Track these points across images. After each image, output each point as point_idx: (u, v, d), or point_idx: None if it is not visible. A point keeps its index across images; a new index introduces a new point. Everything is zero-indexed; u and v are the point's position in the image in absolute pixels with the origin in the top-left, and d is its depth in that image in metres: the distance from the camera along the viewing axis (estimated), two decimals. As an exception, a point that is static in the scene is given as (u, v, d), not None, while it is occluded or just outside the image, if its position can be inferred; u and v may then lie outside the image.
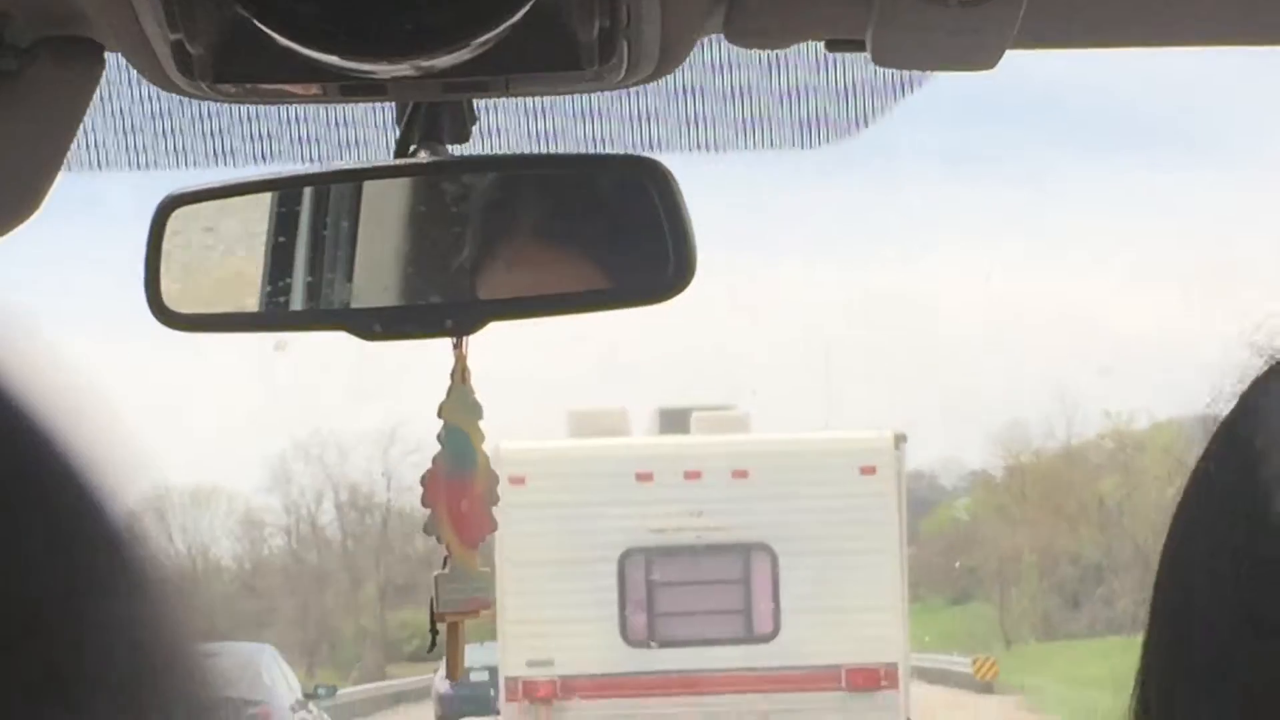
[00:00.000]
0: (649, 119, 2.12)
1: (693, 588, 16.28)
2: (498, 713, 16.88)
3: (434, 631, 2.05)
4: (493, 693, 16.81)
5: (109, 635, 0.63)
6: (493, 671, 17.32)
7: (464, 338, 2.02)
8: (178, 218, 2.02)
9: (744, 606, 16.48)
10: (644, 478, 16.21)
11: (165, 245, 2.01)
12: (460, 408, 2.03)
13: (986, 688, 35.22)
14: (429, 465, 2.02)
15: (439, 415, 2.02)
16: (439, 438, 2.03)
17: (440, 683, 30.39)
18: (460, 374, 2.02)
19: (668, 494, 16.14)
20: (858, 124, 2.03)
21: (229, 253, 2.08)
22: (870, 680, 16.20)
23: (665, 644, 16.23)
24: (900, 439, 16.61)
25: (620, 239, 2.01)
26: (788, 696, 16.05)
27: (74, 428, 0.66)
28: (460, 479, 2.03)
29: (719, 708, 15.90)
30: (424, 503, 2.03)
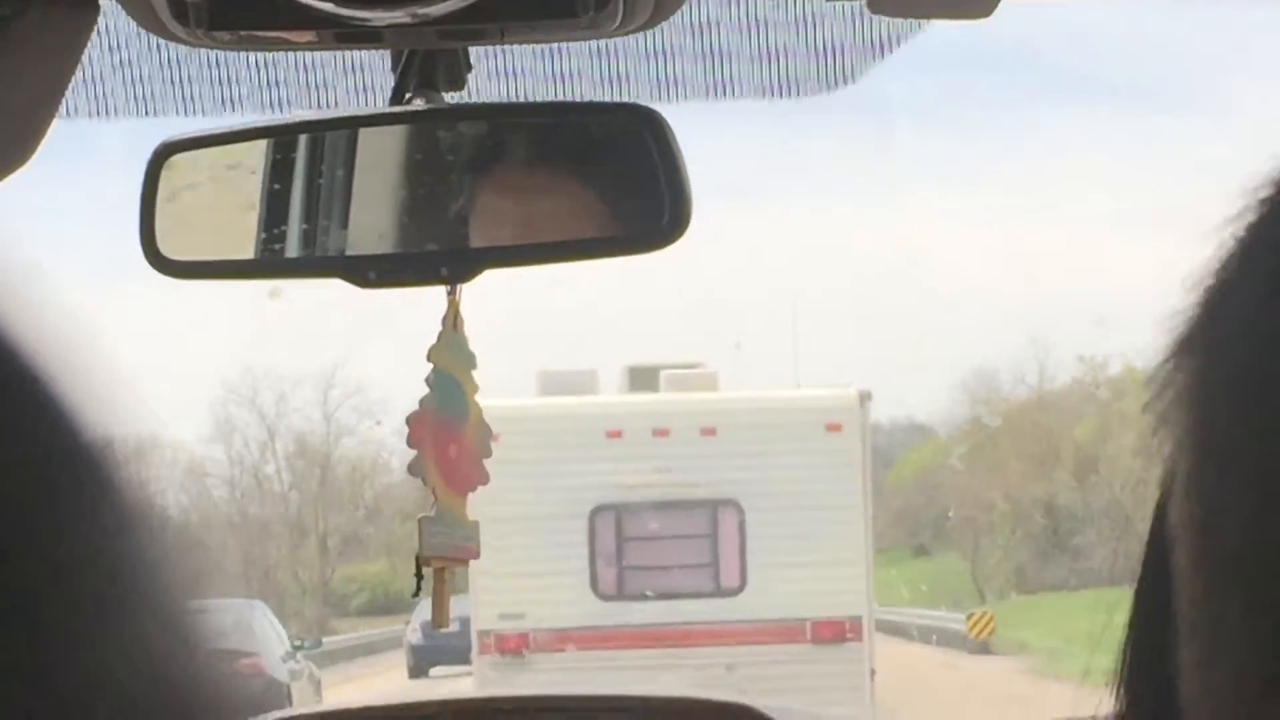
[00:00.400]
0: (626, 77, 2.10)
1: (662, 543, 16.34)
2: (469, 662, 16.93)
3: (419, 576, 2.03)
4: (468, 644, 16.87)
5: (89, 568, 0.61)
6: (465, 623, 17.72)
7: (458, 285, 2.00)
8: (173, 164, 1.99)
9: (712, 561, 16.55)
10: (614, 435, 16.26)
11: (160, 192, 1.98)
12: (452, 354, 2.00)
13: (982, 647, 31.68)
14: (416, 406, 1.99)
15: (428, 359, 2.00)
16: (427, 381, 2.00)
17: (412, 634, 30.64)
18: (453, 320, 1.99)
19: (637, 451, 16.19)
20: (838, 81, 2.01)
21: (224, 200, 2.05)
22: (835, 633, 16.27)
23: (635, 598, 16.30)
24: (865, 396, 16.66)
25: (616, 187, 1.98)
26: (754, 649, 16.11)
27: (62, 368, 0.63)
28: (449, 424, 2.01)
29: (687, 660, 15.94)
30: (409, 443, 2.00)
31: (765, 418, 16.41)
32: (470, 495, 2.03)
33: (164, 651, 0.62)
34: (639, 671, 15.61)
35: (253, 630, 19.30)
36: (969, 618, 32.55)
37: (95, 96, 2.05)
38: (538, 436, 15.69)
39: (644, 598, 16.31)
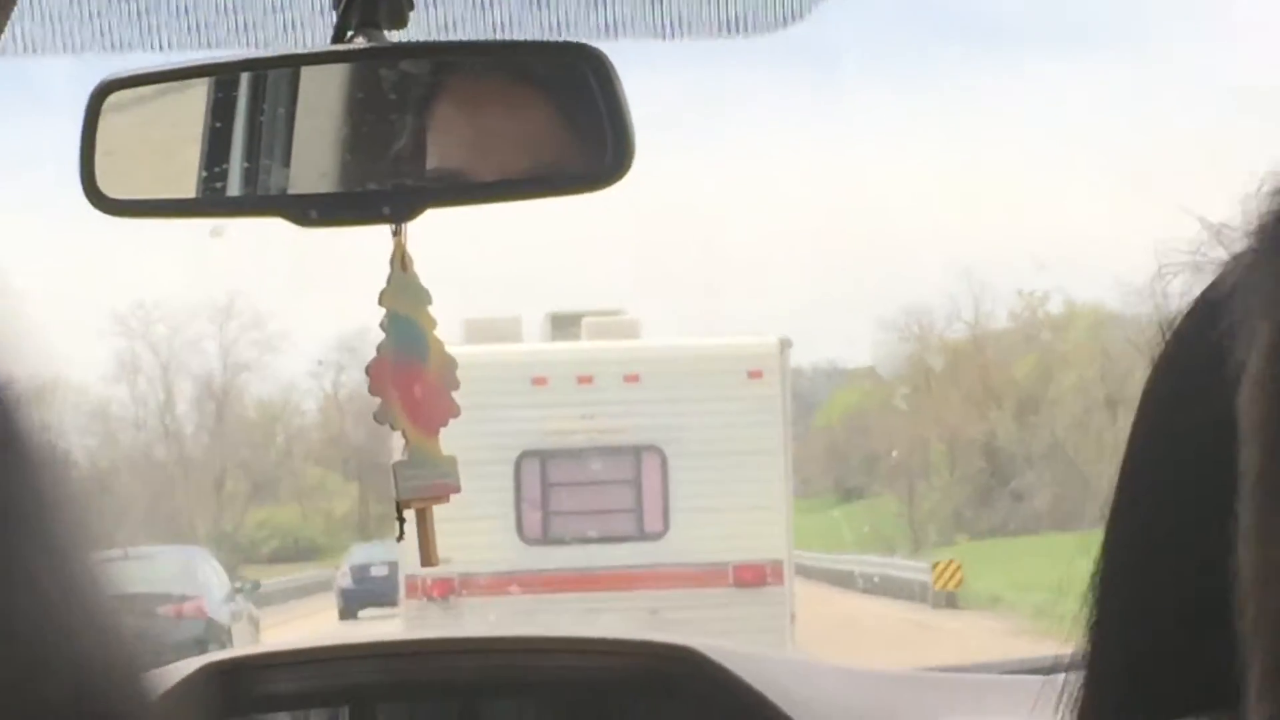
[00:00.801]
0: (570, 22, 2.06)
1: (586, 488, 16.36)
2: (396, 604, 16.92)
3: (401, 520, 2.00)
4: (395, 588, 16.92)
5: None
6: (392, 568, 17.89)
7: (402, 225, 1.96)
8: (113, 102, 1.95)
9: (635, 506, 16.57)
10: (539, 382, 16.25)
11: (100, 129, 1.94)
12: (405, 294, 1.97)
13: (949, 600, 28.02)
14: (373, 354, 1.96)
15: (380, 303, 1.96)
16: (381, 325, 1.97)
17: (342, 578, 30.78)
18: (400, 260, 1.96)
19: (562, 398, 16.18)
20: (782, 21, 1.98)
21: (165, 137, 2.01)
22: (756, 576, 16.30)
23: (560, 542, 16.31)
24: (785, 344, 16.69)
25: (559, 126, 1.95)
26: (677, 593, 16.13)
27: None
28: (410, 365, 1.98)
29: (611, 603, 15.96)
30: (371, 391, 1.97)
31: (688, 365, 16.43)
32: (442, 430, 2.00)
33: (61, 599, 0.58)
34: (565, 615, 15.63)
35: (195, 576, 20.11)
36: (935, 567, 29.02)
37: (17, 37, 2.00)
38: (463, 385, 15.61)
39: (569, 542, 16.33)
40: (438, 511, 2.02)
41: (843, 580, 34.06)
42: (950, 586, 27.99)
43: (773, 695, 2.22)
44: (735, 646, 2.43)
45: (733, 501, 16.14)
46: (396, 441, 2.04)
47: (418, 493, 1.96)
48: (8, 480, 0.58)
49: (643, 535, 16.49)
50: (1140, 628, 0.86)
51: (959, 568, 28.51)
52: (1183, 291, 0.90)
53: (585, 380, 16.29)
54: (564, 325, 17.91)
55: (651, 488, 16.55)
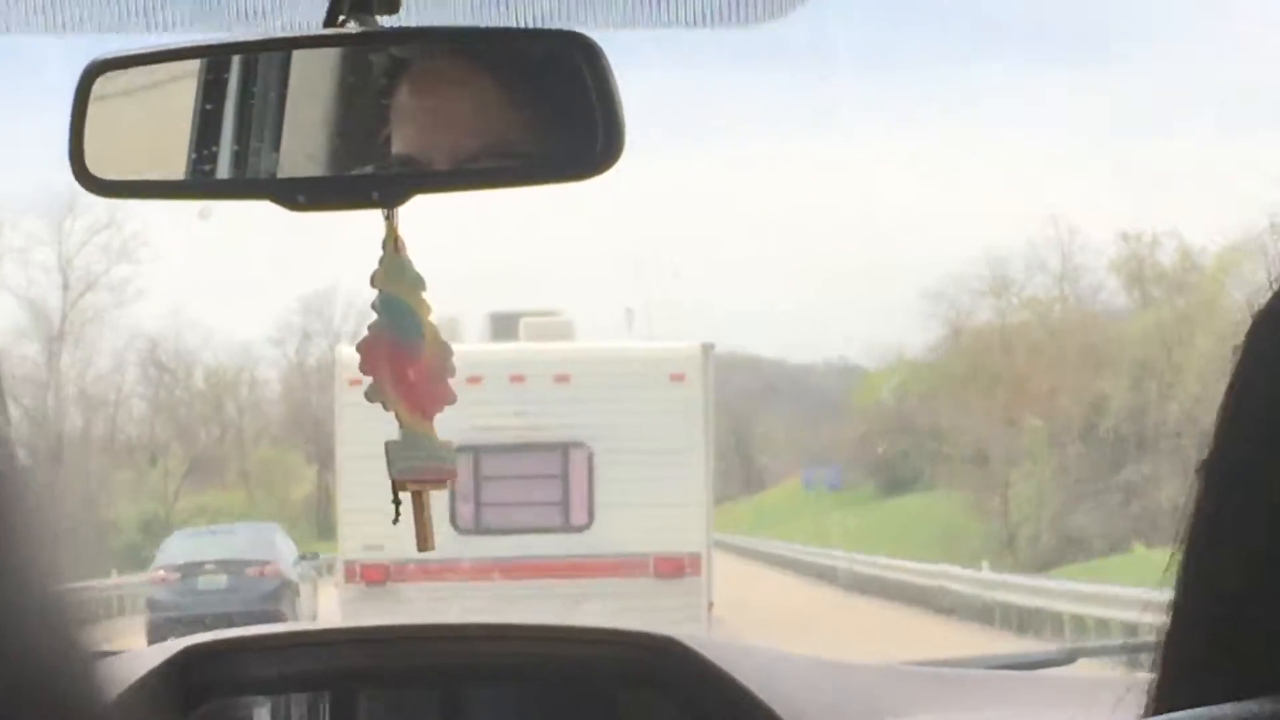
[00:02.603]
0: (563, 10, 1.96)
1: (516, 482, 16.39)
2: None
3: (396, 503, 1.89)
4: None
5: None
6: (231, 568, 19.65)
7: (394, 209, 1.86)
8: (104, 82, 1.83)
9: (562, 499, 16.60)
10: (473, 380, 16.18)
11: (90, 110, 1.83)
12: (398, 277, 1.86)
13: None
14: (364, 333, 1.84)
15: (372, 284, 1.85)
16: (374, 306, 1.86)
17: (154, 585, 23.56)
18: (393, 244, 1.85)
19: (495, 395, 16.16)
20: (783, 9, 1.89)
21: (155, 119, 1.90)
22: (675, 568, 16.35)
23: (490, 532, 16.31)
24: (708, 348, 16.72)
25: (549, 114, 1.85)
26: (601, 582, 16.17)
27: None
28: (404, 347, 1.87)
29: (538, 591, 15.96)
30: (362, 370, 1.86)
31: (615, 366, 16.49)
32: (437, 416, 1.89)
33: (10, 591, 0.51)
34: (495, 601, 15.58)
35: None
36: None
37: (26, 11, 1.88)
38: None
39: (500, 533, 16.32)
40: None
41: (927, 599, 22.86)
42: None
43: (753, 686, 2.12)
44: (716, 638, 2.34)
45: (654, 497, 16.19)
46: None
47: (412, 474, 1.85)
48: None
49: (569, 527, 16.53)
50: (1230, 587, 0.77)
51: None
52: None
53: (518, 379, 16.32)
54: (503, 325, 17.91)
55: (578, 482, 16.59)
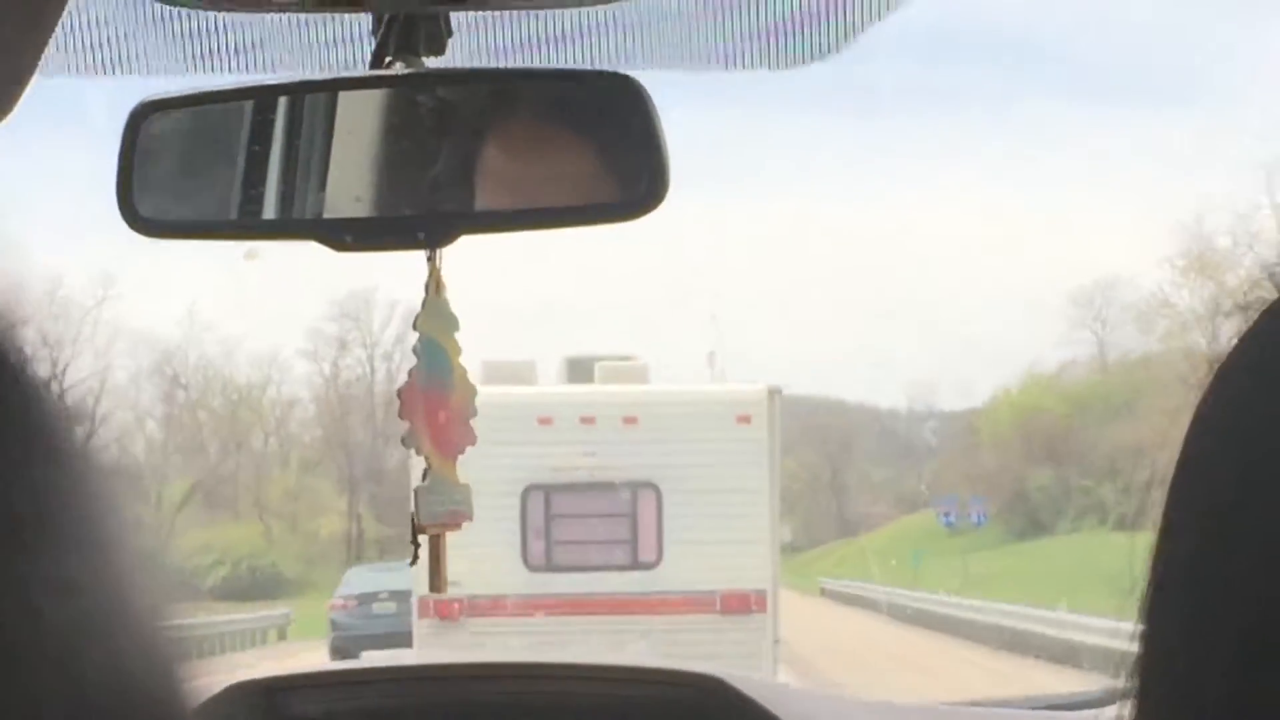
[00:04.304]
0: (608, 49, 1.90)
1: (586, 520, 16.40)
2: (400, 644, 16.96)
3: (415, 544, 1.83)
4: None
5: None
6: (400, 598, 19.64)
7: (437, 250, 1.80)
8: (152, 123, 1.78)
9: (631, 538, 16.59)
10: (545, 421, 16.28)
11: (138, 151, 1.78)
12: (436, 320, 1.80)
13: None
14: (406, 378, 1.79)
15: (415, 328, 1.80)
16: (415, 350, 1.81)
17: (336, 610, 26.31)
18: (435, 286, 1.79)
19: (565, 436, 16.21)
20: (825, 50, 1.82)
21: (202, 160, 1.85)
22: (741, 604, 16.31)
23: (561, 569, 16.31)
24: (775, 391, 16.67)
25: (594, 155, 1.79)
26: (669, 618, 16.15)
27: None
28: (437, 391, 1.81)
29: (607, 626, 15.95)
30: (401, 415, 1.80)
31: (682, 409, 16.48)
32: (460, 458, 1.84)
33: (103, 601, 0.48)
34: (564, 636, 15.58)
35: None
36: None
37: (74, 53, 1.83)
38: (477, 422, 15.62)
39: (570, 570, 16.32)
40: (450, 539, 1.86)
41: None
42: None
43: (797, 728, 2.05)
44: (762, 678, 2.26)
45: (721, 535, 16.15)
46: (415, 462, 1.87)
47: (437, 519, 1.80)
48: (45, 477, 0.46)
49: (637, 564, 16.51)
50: (1198, 647, 0.70)
51: None
52: None
53: (588, 421, 16.34)
54: (580, 369, 17.98)
55: (646, 521, 16.57)
